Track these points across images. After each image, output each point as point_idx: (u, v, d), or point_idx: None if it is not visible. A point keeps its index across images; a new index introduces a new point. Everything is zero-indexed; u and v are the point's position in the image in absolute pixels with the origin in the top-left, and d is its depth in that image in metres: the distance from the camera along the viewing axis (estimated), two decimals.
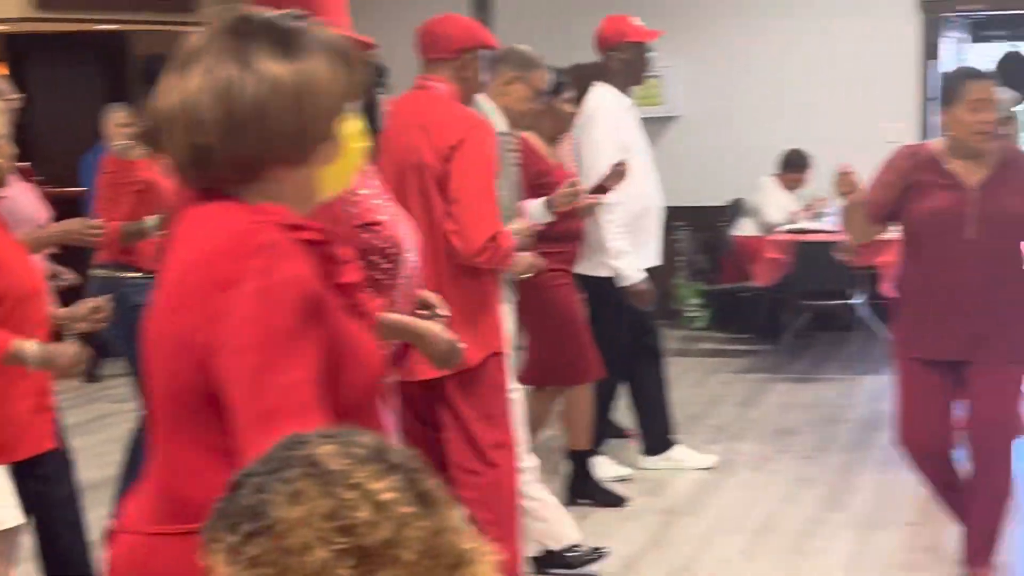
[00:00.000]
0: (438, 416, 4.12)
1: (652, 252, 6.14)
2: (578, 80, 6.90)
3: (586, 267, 5.93)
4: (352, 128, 2.04)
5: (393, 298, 3.22)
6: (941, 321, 4.48)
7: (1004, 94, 6.93)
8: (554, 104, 5.66)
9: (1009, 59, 7.49)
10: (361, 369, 1.94)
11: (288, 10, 2.02)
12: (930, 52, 10.36)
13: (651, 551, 5.26)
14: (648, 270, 6.01)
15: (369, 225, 3.19)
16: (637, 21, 6.13)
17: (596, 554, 5.10)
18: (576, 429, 5.93)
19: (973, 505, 4.60)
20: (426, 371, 3.79)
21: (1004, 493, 4.55)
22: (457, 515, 1.43)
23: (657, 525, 5.60)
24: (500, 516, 4.09)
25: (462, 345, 3.31)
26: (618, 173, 5.60)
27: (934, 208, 4.43)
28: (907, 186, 4.48)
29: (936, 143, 4.56)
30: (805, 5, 10.36)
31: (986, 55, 15.57)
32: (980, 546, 4.60)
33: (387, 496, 1.36)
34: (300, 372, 1.81)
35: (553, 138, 5.82)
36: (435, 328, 3.23)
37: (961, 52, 11.25)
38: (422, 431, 4.06)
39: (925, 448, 4.62)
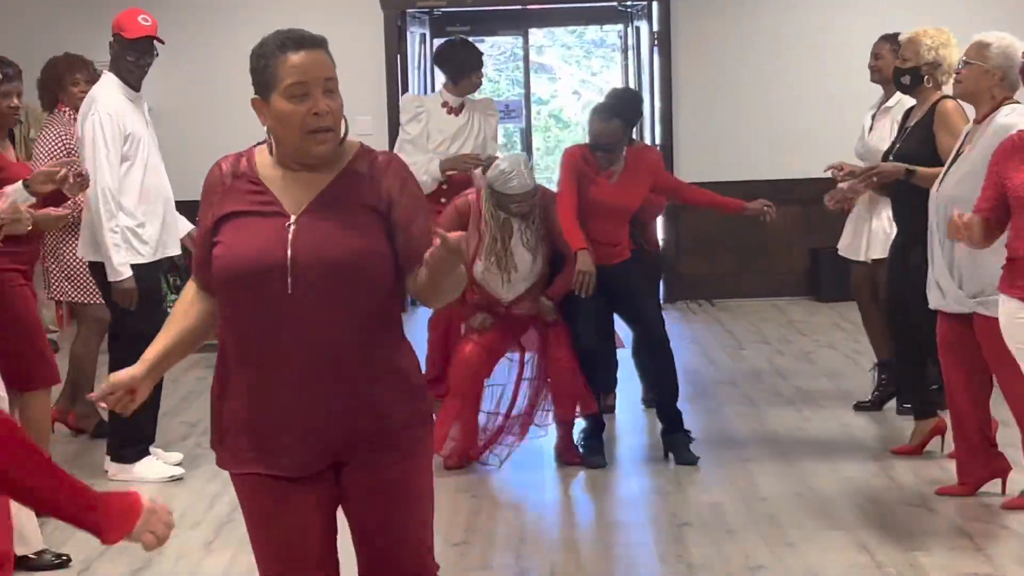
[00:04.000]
0: None
1: (170, 242, 6.28)
2: (47, 71, 6.84)
3: (90, 253, 6.09)
4: None
5: None
6: (280, 421, 3.05)
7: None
8: None
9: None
10: None
11: None
12: (395, 47, 10.75)
13: (109, 553, 5.19)
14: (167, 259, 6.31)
15: None
16: (141, 17, 6.05)
17: (57, 560, 5.05)
18: (37, 434, 5.77)
19: None
20: None
21: None
22: None
23: None
24: None
25: None
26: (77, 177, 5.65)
27: (245, 248, 3.02)
28: (220, 217, 3.10)
29: (261, 149, 3.16)
30: (273, 4, 10.50)
31: None
32: None
33: None
34: None
35: None
36: None
37: (425, 47, 11.74)
38: None
39: None
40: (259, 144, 3.18)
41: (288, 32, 3.07)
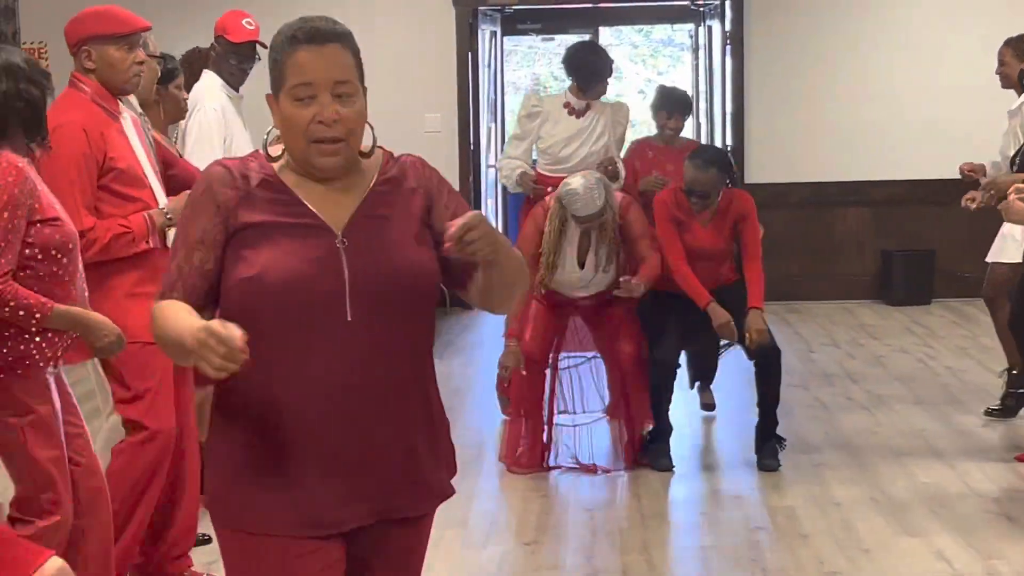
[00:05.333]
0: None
1: None
2: (186, 65, 6.91)
3: None
4: None
5: (68, 290, 3.72)
6: (308, 471, 2.55)
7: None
8: (168, 91, 5.70)
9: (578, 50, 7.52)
10: None
11: None
12: (466, 45, 10.76)
13: None
14: None
15: (50, 220, 3.69)
16: (245, 20, 6.06)
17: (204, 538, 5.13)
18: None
19: None
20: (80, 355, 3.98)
21: None
22: None
23: None
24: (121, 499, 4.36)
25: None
26: None
27: (293, 266, 2.52)
28: (238, 228, 2.56)
29: (272, 152, 2.65)
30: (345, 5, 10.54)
31: (518, 47, 16.25)
32: None
33: None
34: None
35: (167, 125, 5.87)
36: (103, 319, 3.73)
37: (495, 45, 11.76)
38: None
39: None
40: (267, 147, 2.64)
41: (304, 21, 2.52)
